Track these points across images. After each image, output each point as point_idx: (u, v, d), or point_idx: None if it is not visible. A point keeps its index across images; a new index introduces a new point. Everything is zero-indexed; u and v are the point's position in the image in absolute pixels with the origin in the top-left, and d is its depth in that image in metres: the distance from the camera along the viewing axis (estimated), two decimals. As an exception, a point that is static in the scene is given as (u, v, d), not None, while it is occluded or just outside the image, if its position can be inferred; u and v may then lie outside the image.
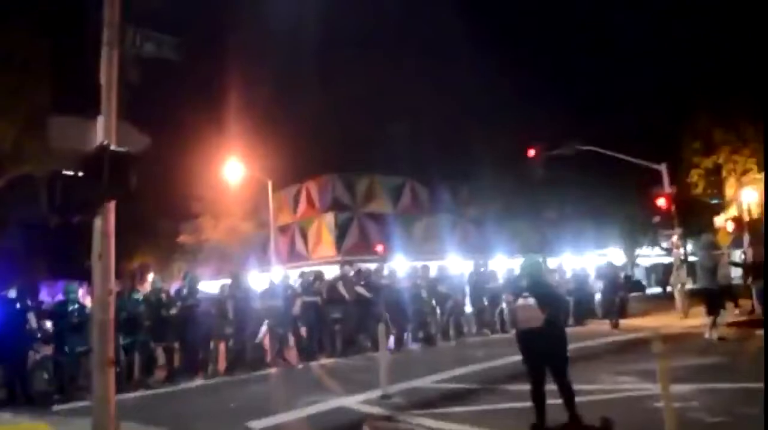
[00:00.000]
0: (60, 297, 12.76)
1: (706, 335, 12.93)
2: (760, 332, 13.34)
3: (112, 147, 6.60)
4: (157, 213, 38.67)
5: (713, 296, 13.07)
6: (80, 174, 6.82)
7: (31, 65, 14.31)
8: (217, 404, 10.01)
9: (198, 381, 12.34)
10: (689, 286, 20.41)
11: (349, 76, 43.90)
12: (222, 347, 13.56)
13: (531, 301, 6.91)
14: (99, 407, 6.46)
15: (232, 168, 31.82)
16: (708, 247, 13.95)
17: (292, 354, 14.31)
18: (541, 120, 32.20)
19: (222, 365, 13.33)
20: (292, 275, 16.12)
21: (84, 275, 8.75)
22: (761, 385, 8.36)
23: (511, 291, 7.58)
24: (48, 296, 20.74)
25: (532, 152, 24.55)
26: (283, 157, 35.14)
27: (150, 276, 33.82)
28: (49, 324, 11.98)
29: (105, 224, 6.72)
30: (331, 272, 18.15)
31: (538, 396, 6.89)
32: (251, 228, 37.27)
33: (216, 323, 13.15)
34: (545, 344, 6.84)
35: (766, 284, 13.17)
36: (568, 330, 16.06)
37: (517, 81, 39.57)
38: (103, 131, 6.76)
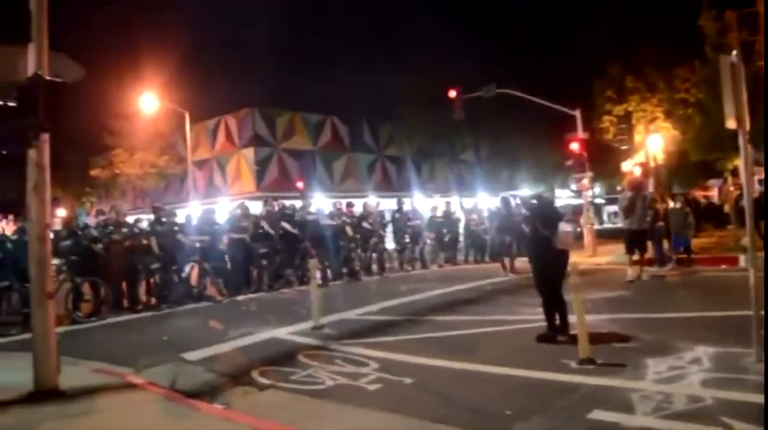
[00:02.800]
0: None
1: (629, 273, 13.35)
2: (656, 269, 14.30)
3: (47, 77, 6.43)
4: (66, 145, 37.01)
5: (630, 237, 13.60)
6: (12, 104, 6.66)
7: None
8: (148, 338, 10.06)
9: (125, 316, 12.31)
10: (597, 226, 21.64)
11: (272, 12, 42.81)
12: (147, 281, 13.53)
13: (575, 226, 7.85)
14: (40, 341, 6.48)
15: (147, 100, 30.76)
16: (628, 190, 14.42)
17: (216, 289, 14.38)
18: (463, 63, 32.53)
19: (148, 299, 13.32)
20: (218, 210, 16.09)
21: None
22: (659, 315, 9.31)
23: (544, 216, 8.08)
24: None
25: (452, 93, 25.08)
26: (202, 91, 34.23)
27: (59, 211, 32.60)
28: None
29: (40, 155, 6.60)
30: (251, 207, 18.12)
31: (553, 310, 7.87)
32: (167, 163, 36.38)
33: (142, 258, 13.08)
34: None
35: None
36: (486, 267, 16.87)
37: (440, 24, 39.63)
38: (35, 60, 6.57)
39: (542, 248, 7.86)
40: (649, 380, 5.94)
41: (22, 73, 6.57)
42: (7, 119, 6.72)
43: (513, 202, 16.40)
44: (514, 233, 15.83)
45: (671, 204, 16.42)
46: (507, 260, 16.34)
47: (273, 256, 15.40)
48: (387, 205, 22.16)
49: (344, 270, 16.77)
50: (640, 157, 28.43)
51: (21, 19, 6.64)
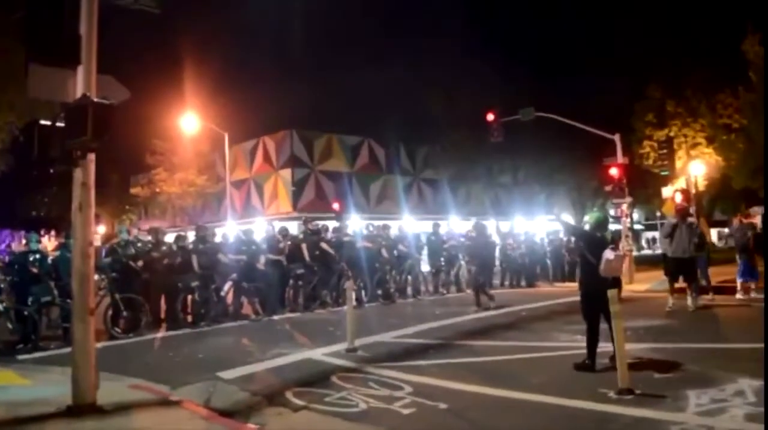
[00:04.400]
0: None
1: (670, 301, 12.95)
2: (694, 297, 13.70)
3: (95, 98, 6.60)
4: (108, 164, 37.87)
5: (673, 265, 13.17)
6: (60, 124, 6.85)
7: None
8: (184, 355, 10.15)
9: (162, 332, 12.46)
10: (635, 253, 21.26)
11: (310, 36, 43.47)
12: (186, 299, 13.65)
13: (619, 253, 7.68)
14: (79, 356, 6.56)
15: (188, 121, 31.43)
16: (671, 217, 14.03)
17: (252, 309, 14.48)
18: (499, 86, 32.50)
19: (185, 317, 13.47)
20: (255, 230, 16.24)
21: (28, 225, 8.71)
22: (701, 345, 9.07)
23: (589, 243, 7.87)
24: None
25: (490, 117, 24.95)
26: (241, 112, 34.84)
27: (99, 228, 33.33)
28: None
29: (85, 175, 6.74)
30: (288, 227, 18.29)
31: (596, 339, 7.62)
32: (206, 182, 36.98)
33: (182, 276, 13.24)
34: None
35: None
36: (522, 292, 16.65)
37: (476, 47, 39.71)
38: (83, 82, 6.75)
39: (590, 275, 7.74)
40: (690, 413, 5.78)
41: (71, 95, 6.76)
42: (55, 139, 6.93)
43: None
44: (481, 263, 15.39)
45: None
46: (477, 293, 14.78)
47: (309, 276, 15.46)
48: (423, 227, 22.14)
49: (378, 292, 16.74)
50: (680, 182, 27.98)
51: (71, 42, 6.84)
